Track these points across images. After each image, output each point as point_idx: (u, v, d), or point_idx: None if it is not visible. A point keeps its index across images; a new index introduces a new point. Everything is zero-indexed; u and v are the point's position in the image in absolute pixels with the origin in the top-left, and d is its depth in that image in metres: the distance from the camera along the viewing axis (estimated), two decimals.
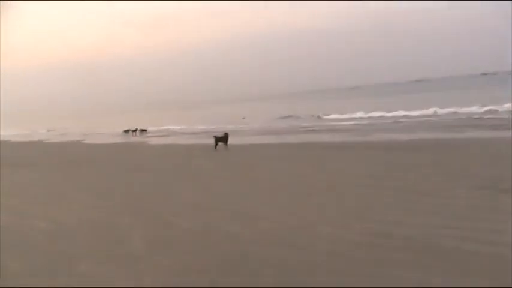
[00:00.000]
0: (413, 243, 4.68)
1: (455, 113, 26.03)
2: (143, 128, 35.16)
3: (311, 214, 6.08)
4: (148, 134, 32.59)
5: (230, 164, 12.40)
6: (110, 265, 4.65)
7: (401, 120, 25.02)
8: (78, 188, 9.63)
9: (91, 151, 21.24)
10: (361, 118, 28.91)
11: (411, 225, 5.33)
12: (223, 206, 6.90)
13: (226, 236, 5.38)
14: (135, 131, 34.65)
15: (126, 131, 34.91)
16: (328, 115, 32.73)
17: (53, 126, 61.25)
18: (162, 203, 7.46)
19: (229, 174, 10.21)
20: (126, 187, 9.35)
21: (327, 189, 7.64)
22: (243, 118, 41.92)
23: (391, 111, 28.88)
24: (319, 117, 33.47)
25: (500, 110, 24.24)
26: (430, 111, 27.35)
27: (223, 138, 16.71)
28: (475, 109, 25.78)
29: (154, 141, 25.07)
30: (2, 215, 7.24)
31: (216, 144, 16.51)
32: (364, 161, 10.68)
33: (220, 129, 27.17)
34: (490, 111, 24.41)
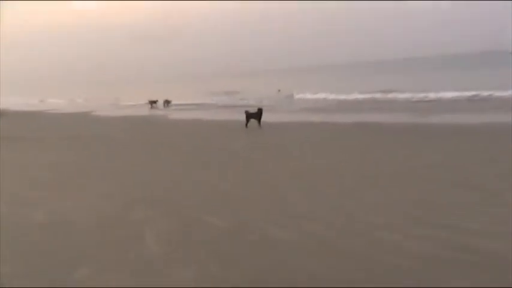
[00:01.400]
0: (498, 260, 4.04)
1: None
2: (168, 99, 35.41)
3: (362, 213, 5.64)
4: (172, 107, 33.33)
5: (264, 146, 12.10)
6: (117, 272, 4.26)
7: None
8: (85, 171, 9.54)
9: (103, 125, 21.65)
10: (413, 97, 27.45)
11: (493, 235, 4.67)
12: (258, 202, 6.48)
13: (264, 239, 4.93)
14: (154, 102, 34.87)
15: (152, 102, 35.38)
16: (386, 93, 30.94)
17: (69, 95, 63.63)
18: (184, 194, 7.14)
19: (263, 161, 9.82)
20: (143, 172, 9.14)
21: (381, 182, 7.23)
22: (279, 91, 41.92)
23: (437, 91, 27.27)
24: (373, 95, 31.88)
25: None
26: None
27: (256, 115, 16.39)
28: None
29: (176, 115, 25.47)
30: None
31: (248, 122, 16.19)
32: (422, 147, 10.24)
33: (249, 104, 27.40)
34: None
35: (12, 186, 8.32)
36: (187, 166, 9.54)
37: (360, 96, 30.08)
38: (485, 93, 24.29)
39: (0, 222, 6.06)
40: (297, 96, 35.79)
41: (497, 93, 23.77)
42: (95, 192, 7.55)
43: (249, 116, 16.39)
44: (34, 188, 8.03)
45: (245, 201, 6.51)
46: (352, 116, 19.23)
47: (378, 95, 29.76)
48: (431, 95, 26.39)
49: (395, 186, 6.98)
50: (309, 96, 34.68)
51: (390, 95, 29.26)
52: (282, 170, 8.63)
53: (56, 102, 53.61)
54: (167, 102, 35.22)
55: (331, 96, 32.04)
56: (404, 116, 18.00)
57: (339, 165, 8.84)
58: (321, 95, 33.67)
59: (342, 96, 30.97)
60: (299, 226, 5.29)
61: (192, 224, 5.55)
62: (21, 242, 5.35)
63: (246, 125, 16.18)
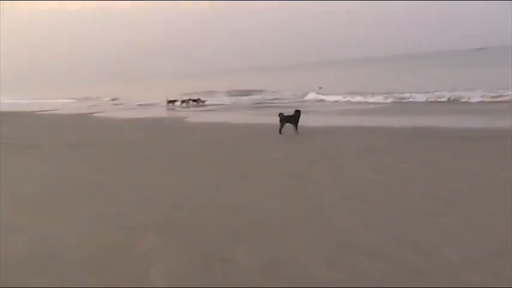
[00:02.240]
0: None
1: None
2: (195, 98, 36.96)
3: (439, 247, 5.21)
4: (201, 107, 34.44)
5: (306, 157, 11.66)
6: None
7: None
8: (83, 186, 9.38)
9: (108, 129, 21.98)
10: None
11: None
12: (300, 230, 6.05)
13: (305, 279, 4.49)
14: (173, 101, 36.41)
15: (172, 101, 37.02)
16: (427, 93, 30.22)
17: (68, 92, 66.53)
18: (206, 219, 6.78)
19: (305, 176, 9.36)
20: (154, 190, 8.85)
21: (466, 203, 6.73)
22: (320, 88, 42.17)
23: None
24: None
25: None
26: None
27: (292, 118, 16.08)
28: None
29: (197, 117, 25.97)
30: None
31: (282, 126, 15.90)
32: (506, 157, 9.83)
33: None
34: None
35: None
36: (210, 183, 9.19)
37: (400, 96, 30.04)
38: None
39: None
40: (311, 97, 36.48)
41: None
42: (92, 213, 7.29)
43: (284, 119, 16.01)
44: (16, 209, 7.84)
45: (283, 229, 6.10)
46: (405, 119, 19.02)
47: (419, 95, 29.27)
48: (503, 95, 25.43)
49: (490, 209, 6.43)
50: (330, 97, 34.80)
51: (433, 95, 28.89)
52: (331, 188, 8.21)
53: (53, 102, 55.65)
54: (196, 101, 36.19)
55: (357, 99, 31.82)
56: (470, 119, 17.77)
57: (407, 183, 8.35)
58: (339, 97, 33.94)
59: (372, 99, 30.68)
60: (352, 264, 4.88)
61: (214, 260, 5.13)
62: None
63: (280, 130, 15.79)
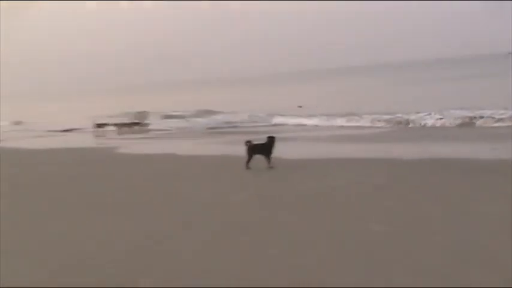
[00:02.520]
0: None
1: None
2: (134, 121, 37.36)
3: None
4: (140, 134, 34.10)
5: (278, 203, 11.44)
6: None
7: None
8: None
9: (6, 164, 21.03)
10: None
11: None
12: None
13: None
14: (102, 125, 36.24)
15: (101, 125, 36.99)
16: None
17: None
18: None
19: (278, 230, 9.16)
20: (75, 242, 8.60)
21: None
22: (300, 107, 43.52)
23: None
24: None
25: None
26: None
27: (263, 147, 15.93)
28: None
29: (139, 146, 26.43)
30: None
31: (250, 158, 15.74)
32: None
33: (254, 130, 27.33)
34: None
35: None
36: (142, 237, 9.05)
37: (404, 118, 31.36)
38: None
39: None
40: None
41: None
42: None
43: (252, 149, 15.81)
44: None
45: None
46: (410, 147, 19.77)
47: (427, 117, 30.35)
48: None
49: None
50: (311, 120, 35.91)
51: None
52: (315, 245, 8.05)
53: None
54: (135, 125, 35.67)
55: (343, 121, 33.28)
56: (484, 148, 18.48)
57: (422, 233, 8.31)
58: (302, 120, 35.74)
59: (364, 121, 32.16)
60: None
61: None
62: None
63: (248, 163, 15.61)
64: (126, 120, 37.74)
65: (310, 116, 36.59)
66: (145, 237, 8.97)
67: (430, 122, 28.93)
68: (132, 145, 27.43)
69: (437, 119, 29.14)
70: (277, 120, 37.25)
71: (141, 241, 8.77)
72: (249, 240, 8.43)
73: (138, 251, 8.26)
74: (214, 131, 34.06)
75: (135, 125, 36.33)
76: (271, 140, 15.89)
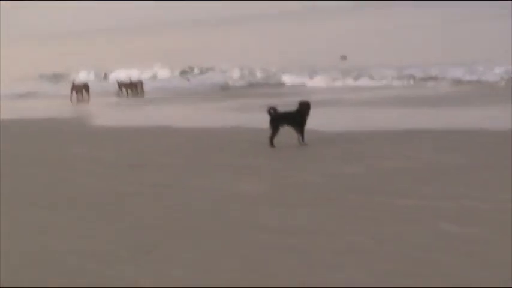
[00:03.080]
0: None
1: None
2: (131, 81, 31.92)
3: None
4: (135, 98, 30.73)
5: (311, 196, 9.81)
6: None
7: None
8: None
9: None
10: None
11: None
12: None
13: None
14: (81, 89, 31.12)
15: (76, 89, 31.49)
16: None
17: None
18: None
19: (308, 240, 7.69)
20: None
21: None
22: (343, 58, 39.31)
23: None
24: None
25: None
26: None
27: (293, 117, 13.71)
28: None
29: (129, 114, 24.21)
30: None
31: (275, 132, 13.54)
32: None
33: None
34: None
35: None
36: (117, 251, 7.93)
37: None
38: None
39: None
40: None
41: None
42: None
43: (278, 119, 13.52)
44: None
45: None
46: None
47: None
48: None
49: None
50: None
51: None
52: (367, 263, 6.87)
53: None
54: (127, 87, 31.51)
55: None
56: None
57: None
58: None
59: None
60: None
61: None
62: None
63: (272, 139, 13.37)
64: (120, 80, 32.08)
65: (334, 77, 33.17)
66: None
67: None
68: (121, 112, 25.53)
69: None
70: (287, 79, 33.07)
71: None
72: (265, 252, 7.13)
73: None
74: (223, 92, 29.90)
75: (130, 86, 31.08)
76: (304, 107, 13.68)
